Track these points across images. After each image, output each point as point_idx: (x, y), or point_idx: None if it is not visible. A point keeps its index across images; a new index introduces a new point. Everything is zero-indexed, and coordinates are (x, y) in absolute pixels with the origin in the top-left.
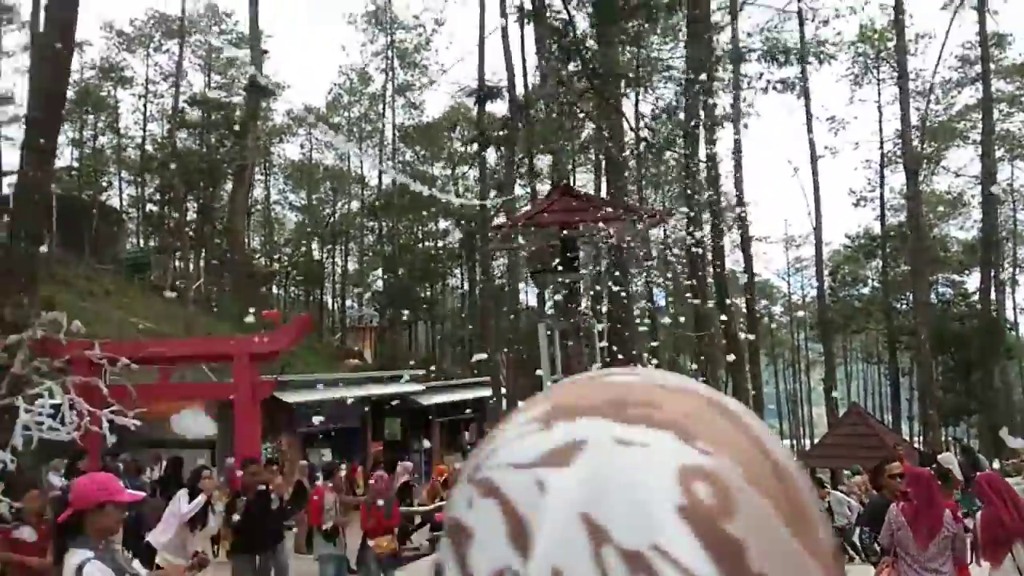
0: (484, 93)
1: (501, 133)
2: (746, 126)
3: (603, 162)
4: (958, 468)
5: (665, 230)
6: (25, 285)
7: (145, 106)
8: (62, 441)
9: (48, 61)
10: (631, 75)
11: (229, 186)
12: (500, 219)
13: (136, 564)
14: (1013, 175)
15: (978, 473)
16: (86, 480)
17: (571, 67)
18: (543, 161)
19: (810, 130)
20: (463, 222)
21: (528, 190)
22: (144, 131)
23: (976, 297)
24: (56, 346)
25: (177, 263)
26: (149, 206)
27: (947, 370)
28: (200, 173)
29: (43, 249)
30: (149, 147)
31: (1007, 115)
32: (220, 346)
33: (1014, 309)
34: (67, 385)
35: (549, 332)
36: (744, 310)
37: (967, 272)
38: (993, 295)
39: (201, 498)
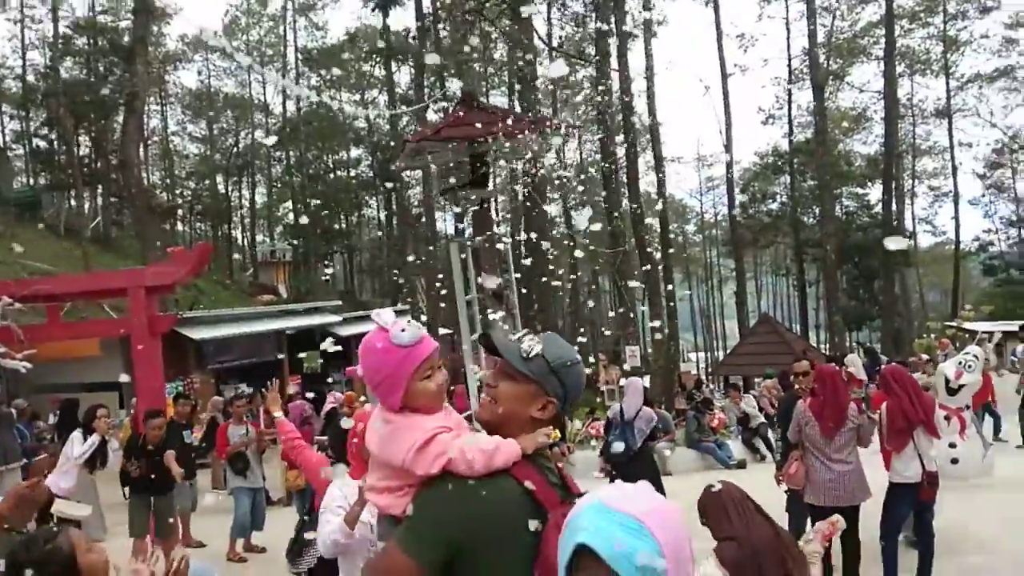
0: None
1: (409, 41)
2: (656, 35)
3: (515, 85)
4: (862, 369)
5: (580, 150)
6: None
7: (23, 32)
8: None
9: None
10: None
11: (122, 118)
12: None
13: None
14: (913, 90)
15: (882, 367)
16: None
17: None
18: (455, 85)
19: (720, 48)
20: (376, 152)
21: (441, 115)
22: (24, 60)
23: (878, 208)
24: None
25: (71, 201)
26: (36, 141)
27: (851, 279)
28: (89, 104)
29: None
30: (31, 78)
31: (908, 31)
32: (112, 280)
33: (913, 219)
34: None
35: (461, 252)
36: (658, 229)
37: (870, 185)
38: (894, 206)
39: (94, 438)
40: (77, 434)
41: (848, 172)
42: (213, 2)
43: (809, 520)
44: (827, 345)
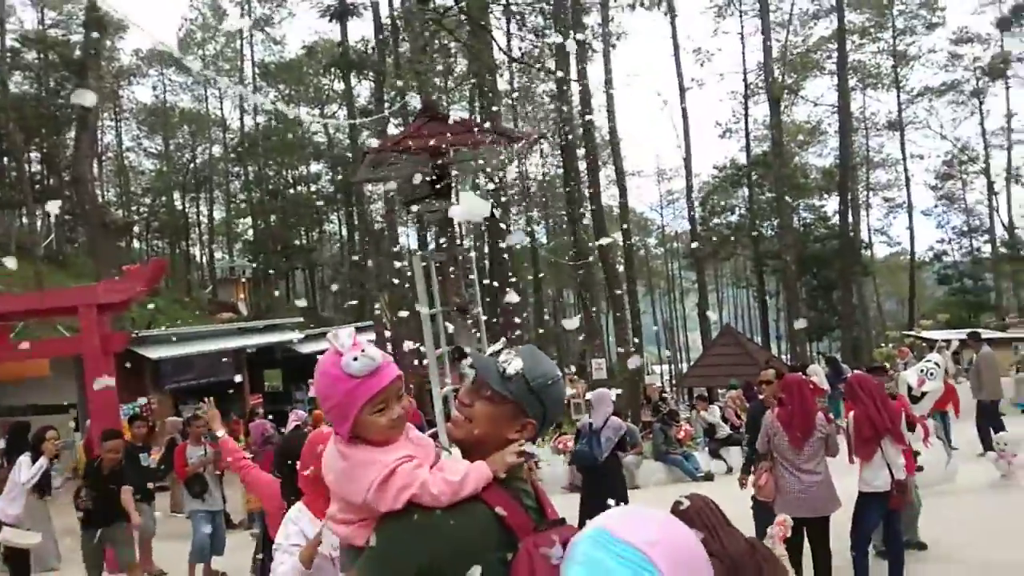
0: (343, 9)
1: (367, 52)
2: (614, 46)
3: (477, 99)
4: (823, 378)
5: (544, 163)
6: None
7: None
8: None
9: None
10: None
11: (74, 133)
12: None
13: None
14: (866, 103)
15: (849, 375)
16: None
17: None
18: (416, 100)
19: (678, 62)
20: (336, 166)
21: (401, 129)
22: None
23: (835, 220)
24: None
25: (23, 219)
26: None
27: (810, 289)
28: (40, 119)
29: None
30: None
31: (859, 46)
32: (63, 298)
33: (868, 230)
34: None
35: (424, 264)
36: (620, 243)
37: (826, 197)
38: (850, 217)
39: (43, 461)
40: (25, 458)
41: (804, 184)
42: (167, 17)
43: None
44: (788, 355)
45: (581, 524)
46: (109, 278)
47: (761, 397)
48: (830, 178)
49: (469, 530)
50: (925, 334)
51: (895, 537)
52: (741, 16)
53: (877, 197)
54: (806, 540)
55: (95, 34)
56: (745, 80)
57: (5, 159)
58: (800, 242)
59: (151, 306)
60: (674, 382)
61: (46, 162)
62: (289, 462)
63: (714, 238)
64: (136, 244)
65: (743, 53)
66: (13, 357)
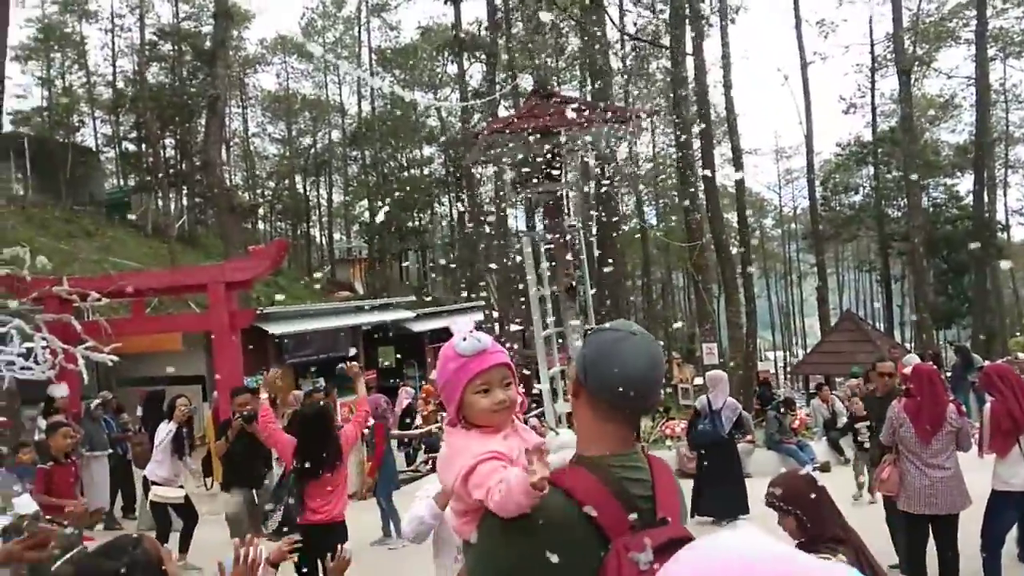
0: None
1: (479, 34)
2: (733, 21)
3: (588, 78)
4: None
5: (654, 142)
6: None
7: (113, 41)
8: (38, 381)
9: None
10: None
11: (204, 120)
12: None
13: (16, 487)
14: (1006, 74)
15: (986, 364)
16: None
17: None
18: (527, 81)
19: (799, 35)
20: (448, 149)
21: (513, 111)
22: (114, 67)
23: (968, 200)
24: (22, 283)
25: (158, 201)
26: (125, 144)
27: (939, 274)
28: (174, 108)
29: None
30: (120, 83)
31: (1000, 12)
32: (193, 275)
33: (1005, 211)
34: (37, 323)
35: (533, 246)
36: (736, 224)
37: (959, 175)
38: (985, 197)
39: (171, 425)
40: (163, 424)
41: (935, 162)
42: (291, 5)
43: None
44: (913, 343)
45: (694, 507)
46: (236, 257)
47: (872, 387)
48: (964, 155)
49: (557, 531)
50: None
51: None
52: None
53: (1017, 175)
54: (931, 538)
55: (224, 26)
56: (872, 52)
57: (143, 146)
58: (930, 223)
59: (274, 283)
60: (789, 369)
61: (179, 147)
62: (303, 429)
63: (836, 219)
64: (261, 225)
65: (870, 23)
66: (149, 330)
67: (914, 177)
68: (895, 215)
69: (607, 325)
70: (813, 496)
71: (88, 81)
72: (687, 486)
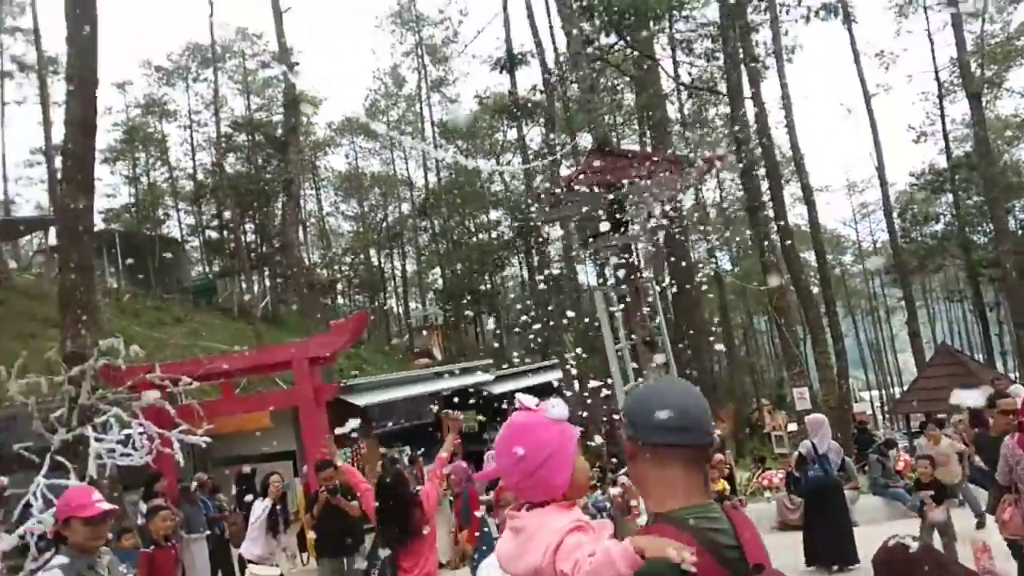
0: (512, 61)
1: (536, 96)
2: (790, 60)
3: (647, 131)
4: None
5: (720, 187)
6: (81, 316)
7: (191, 136)
8: (137, 468)
9: (75, 91)
10: (658, 15)
11: (281, 203)
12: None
13: (122, 569)
14: None
15: None
16: (61, 497)
17: (597, 22)
18: (586, 139)
19: (859, 68)
20: (514, 212)
21: (574, 169)
22: (193, 160)
23: None
24: (118, 372)
25: (242, 284)
26: (208, 232)
27: None
28: (251, 194)
29: (113, 284)
30: (200, 175)
31: None
32: (278, 354)
33: None
34: (134, 410)
35: (607, 301)
36: (814, 263)
37: None
38: None
39: (267, 502)
40: (258, 502)
41: (1018, 183)
42: (355, 88)
43: None
44: (1017, 372)
45: (809, 557)
46: (318, 333)
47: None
48: None
49: None
50: None
51: None
52: (926, 11)
53: None
54: None
55: (294, 113)
56: (937, 79)
57: (224, 232)
58: (1020, 246)
59: (357, 356)
60: (887, 408)
61: (258, 232)
62: (384, 497)
63: (919, 250)
64: (340, 300)
65: (932, 50)
66: (238, 409)
67: (997, 201)
68: (981, 241)
69: (640, 381)
70: (905, 568)
71: (171, 176)
72: (790, 538)
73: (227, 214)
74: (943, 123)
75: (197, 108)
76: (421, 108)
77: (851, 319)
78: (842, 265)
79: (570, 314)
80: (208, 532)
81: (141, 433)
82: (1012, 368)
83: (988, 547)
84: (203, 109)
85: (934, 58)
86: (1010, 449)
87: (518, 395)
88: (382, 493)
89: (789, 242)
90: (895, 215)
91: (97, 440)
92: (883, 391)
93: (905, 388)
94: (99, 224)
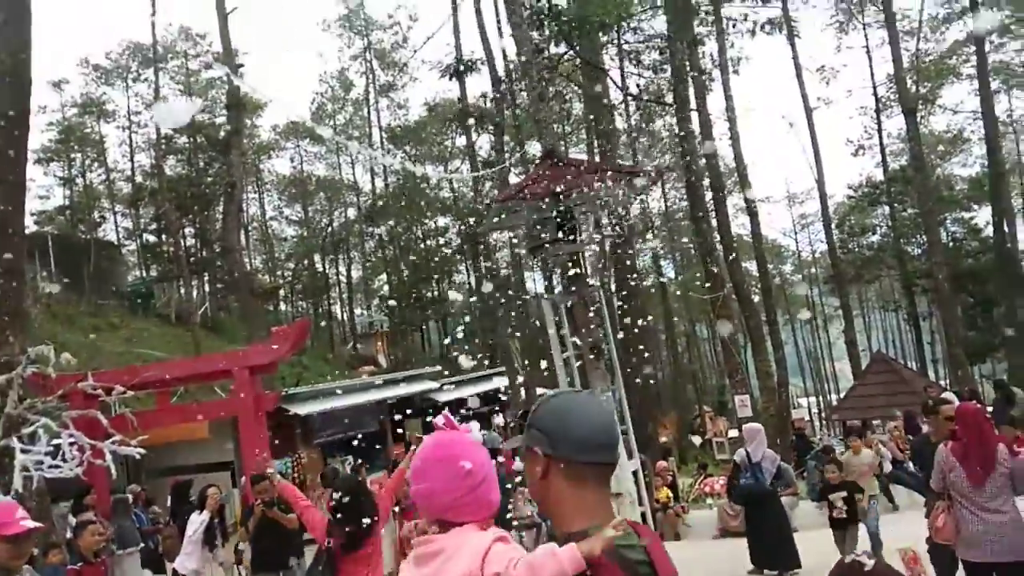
0: (461, 67)
1: (487, 104)
2: (736, 72)
3: (595, 140)
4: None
5: (665, 196)
6: (10, 323)
7: (131, 137)
8: (67, 479)
9: (5, 84)
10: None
11: (222, 207)
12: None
13: None
14: (1012, 105)
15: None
16: None
17: (547, 32)
18: (535, 148)
19: (801, 83)
20: (462, 219)
21: (523, 177)
22: (132, 162)
23: (988, 232)
24: (47, 381)
25: (180, 290)
26: (145, 236)
27: (967, 308)
28: (192, 197)
29: (45, 289)
30: (139, 178)
31: (998, 46)
32: (217, 362)
33: None
34: (64, 420)
35: (554, 309)
36: (755, 272)
37: (975, 208)
38: (1005, 228)
39: (204, 515)
40: (195, 515)
41: (950, 197)
42: (301, 92)
43: None
44: (948, 380)
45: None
46: (259, 341)
47: (926, 431)
48: (979, 188)
49: None
50: None
51: None
52: (865, 29)
53: None
54: None
55: (237, 115)
56: (875, 94)
57: (163, 236)
58: (951, 258)
59: (298, 364)
60: (823, 415)
61: (199, 236)
62: (338, 509)
63: (856, 260)
64: (282, 306)
65: (870, 66)
66: (175, 420)
67: (931, 213)
68: (915, 252)
69: (550, 393)
70: None
71: (108, 178)
72: (731, 544)
73: (166, 218)
74: (880, 137)
75: (137, 109)
76: (369, 113)
77: (790, 327)
78: (782, 274)
79: (517, 323)
80: (141, 545)
81: (72, 444)
82: (943, 376)
83: (918, 556)
84: (143, 110)
85: (872, 74)
86: (944, 456)
87: (438, 417)
88: (345, 493)
89: (733, 254)
90: (833, 226)
91: (24, 452)
92: (820, 398)
93: (842, 395)
94: (31, 227)
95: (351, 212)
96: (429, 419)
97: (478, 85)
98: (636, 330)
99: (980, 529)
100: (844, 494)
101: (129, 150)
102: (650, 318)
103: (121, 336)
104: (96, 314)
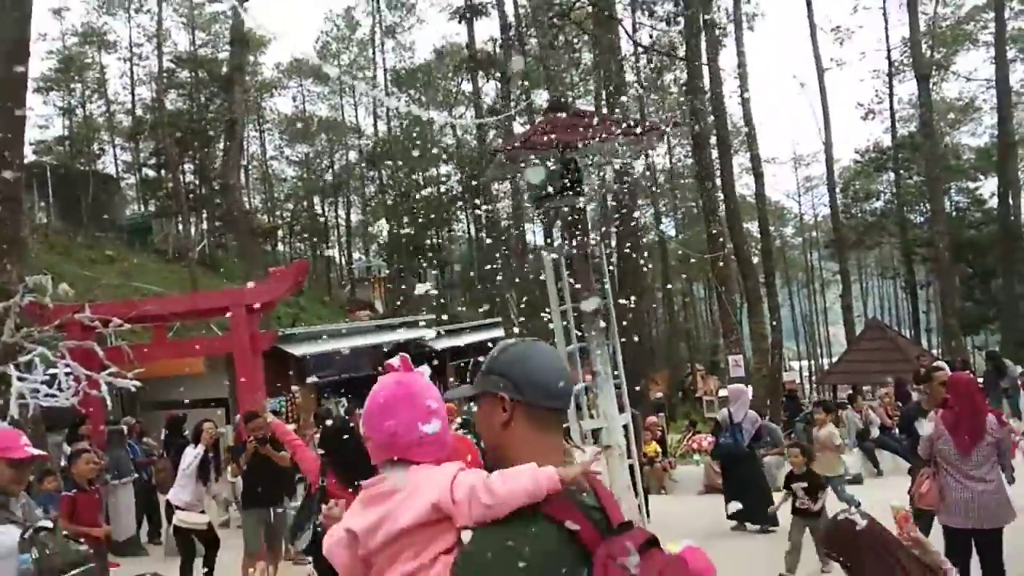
0: (470, 11)
1: (494, 52)
2: (751, 28)
3: (603, 91)
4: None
5: (671, 153)
6: (8, 251)
7: (132, 69)
8: (62, 409)
9: (6, 9)
10: None
11: (223, 144)
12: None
13: (39, 512)
14: None
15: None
16: None
17: None
18: (541, 97)
19: (815, 43)
20: (464, 167)
21: (528, 127)
22: (133, 95)
23: (992, 203)
24: (44, 311)
25: (179, 226)
26: (145, 170)
27: (965, 279)
28: (192, 133)
29: (43, 219)
30: (139, 111)
31: (1019, 13)
32: (214, 299)
33: None
34: (60, 350)
35: (554, 261)
36: (757, 233)
37: (981, 179)
38: (1010, 200)
39: (199, 449)
40: (190, 448)
41: (957, 166)
42: (306, 30)
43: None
44: (941, 350)
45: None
46: (257, 280)
47: (917, 398)
48: (986, 158)
49: (541, 554)
50: None
51: None
52: None
53: None
54: (975, 554)
55: (240, 51)
56: (889, 58)
57: (162, 172)
58: (954, 228)
59: (295, 305)
60: (815, 379)
61: (198, 172)
62: (330, 447)
63: (858, 226)
64: (280, 247)
65: (886, 29)
66: (171, 354)
67: (936, 182)
68: (918, 221)
69: (510, 341)
70: (852, 543)
71: (108, 110)
72: (715, 499)
73: (166, 152)
74: (891, 102)
75: (139, 41)
76: (374, 54)
77: (788, 290)
78: (783, 237)
79: (516, 274)
80: (135, 476)
81: (68, 374)
82: (937, 345)
83: (909, 515)
84: (145, 42)
85: (887, 37)
86: (935, 423)
87: (394, 359)
88: (338, 434)
89: (735, 213)
90: (838, 190)
91: (20, 380)
92: (813, 361)
93: (834, 359)
94: (30, 156)
95: (352, 155)
96: (422, 366)
97: (487, 29)
98: (634, 286)
99: (964, 496)
100: (805, 485)
101: (130, 82)
102: (648, 275)
103: (118, 270)
104: (93, 246)
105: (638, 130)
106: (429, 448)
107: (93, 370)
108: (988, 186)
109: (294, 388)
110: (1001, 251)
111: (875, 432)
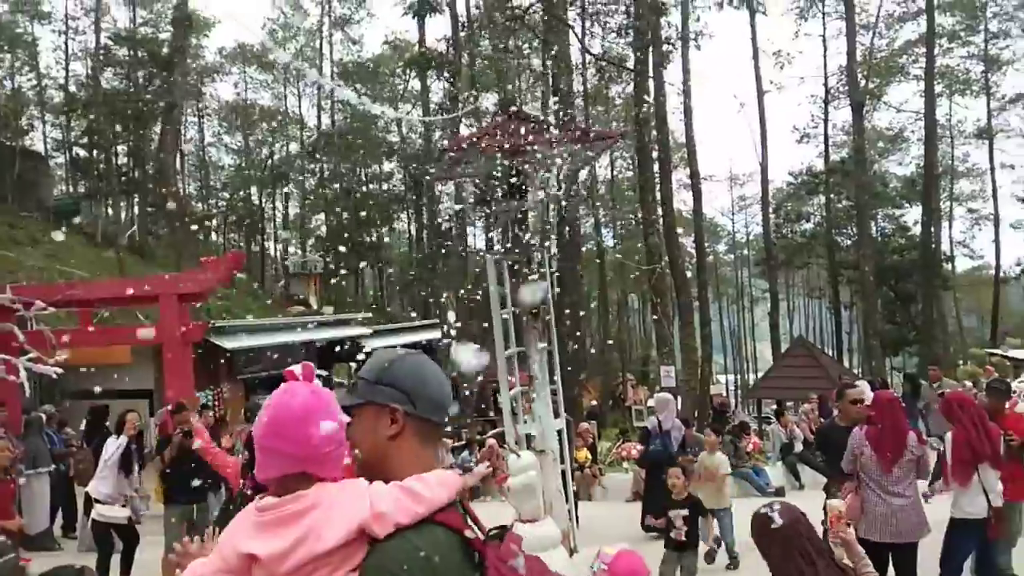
0: (425, 5)
1: (445, 51)
2: (698, 46)
3: (550, 98)
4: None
5: (612, 164)
6: None
7: (67, 43)
8: None
9: None
10: None
11: (159, 128)
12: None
13: None
14: (952, 110)
15: (946, 392)
16: None
17: None
18: (489, 100)
19: (756, 65)
20: (408, 166)
21: (475, 128)
22: (67, 70)
23: (915, 231)
24: None
25: (108, 209)
26: (75, 150)
27: (887, 302)
28: (127, 114)
29: None
30: (72, 87)
31: (947, 51)
32: (144, 286)
33: (950, 242)
34: None
35: (497, 264)
36: (692, 249)
37: (906, 206)
38: (932, 228)
39: (121, 440)
40: (112, 439)
41: (884, 193)
42: (251, 17)
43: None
44: (861, 370)
45: (643, 523)
46: (189, 269)
47: (836, 414)
48: (911, 187)
49: (445, 563)
50: (1013, 353)
51: (989, 568)
52: (824, 18)
53: (961, 208)
54: (891, 567)
55: (182, 32)
56: (826, 84)
57: (94, 152)
58: (878, 252)
59: (226, 297)
60: (741, 393)
61: (132, 155)
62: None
63: (788, 246)
64: (214, 237)
65: (824, 56)
66: (97, 342)
67: (865, 207)
68: (845, 244)
69: (394, 352)
70: (765, 537)
71: (39, 84)
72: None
73: (99, 132)
74: (825, 127)
75: (75, 14)
76: (321, 45)
77: (717, 305)
78: (716, 253)
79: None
80: (52, 467)
81: None
82: (857, 365)
83: (843, 515)
84: (82, 16)
85: (825, 64)
86: (858, 439)
87: (296, 367)
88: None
89: (673, 227)
90: (771, 210)
91: None
92: (739, 376)
93: (760, 375)
94: None
95: (293, 146)
96: (356, 364)
97: (439, 28)
98: (571, 294)
99: (883, 511)
100: (685, 512)
101: (64, 56)
102: (585, 284)
103: (42, 251)
104: (16, 226)
105: (591, 136)
106: (336, 463)
107: (11, 354)
108: (912, 214)
109: (222, 383)
110: (922, 277)
111: (799, 447)
